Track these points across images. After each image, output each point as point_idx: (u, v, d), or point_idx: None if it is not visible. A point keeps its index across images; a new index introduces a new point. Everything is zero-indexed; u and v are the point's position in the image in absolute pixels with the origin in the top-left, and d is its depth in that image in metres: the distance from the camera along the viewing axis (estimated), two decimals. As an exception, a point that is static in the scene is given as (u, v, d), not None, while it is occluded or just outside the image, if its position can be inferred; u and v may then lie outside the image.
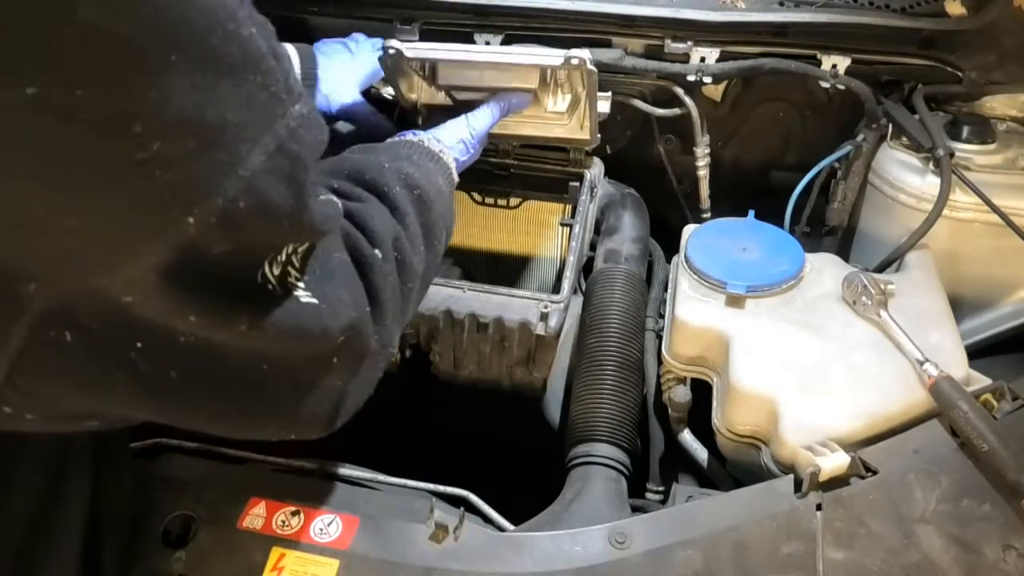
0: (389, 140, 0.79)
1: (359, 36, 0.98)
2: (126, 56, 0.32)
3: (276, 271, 0.43)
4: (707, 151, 1.18)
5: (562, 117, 0.99)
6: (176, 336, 0.41)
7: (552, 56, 0.85)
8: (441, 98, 0.99)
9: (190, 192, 0.36)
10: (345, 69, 0.93)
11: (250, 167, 0.38)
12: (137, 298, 0.38)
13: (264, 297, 0.43)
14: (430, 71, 0.93)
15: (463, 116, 0.86)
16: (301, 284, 0.46)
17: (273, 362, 0.46)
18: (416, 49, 0.87)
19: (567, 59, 0.84)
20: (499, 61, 0.87)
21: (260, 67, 0.38)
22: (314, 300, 0.46)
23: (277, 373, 0.47)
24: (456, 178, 0.80)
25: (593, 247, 1.14)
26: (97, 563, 0.62)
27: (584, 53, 0.84)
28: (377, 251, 0.56)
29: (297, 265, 0.45)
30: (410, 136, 0.80)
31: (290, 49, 0.92)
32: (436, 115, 1.01)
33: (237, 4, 0.37)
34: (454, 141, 0.82)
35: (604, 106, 0.97)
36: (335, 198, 0.51)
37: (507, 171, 1.09)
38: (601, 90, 0.94)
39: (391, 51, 0.86)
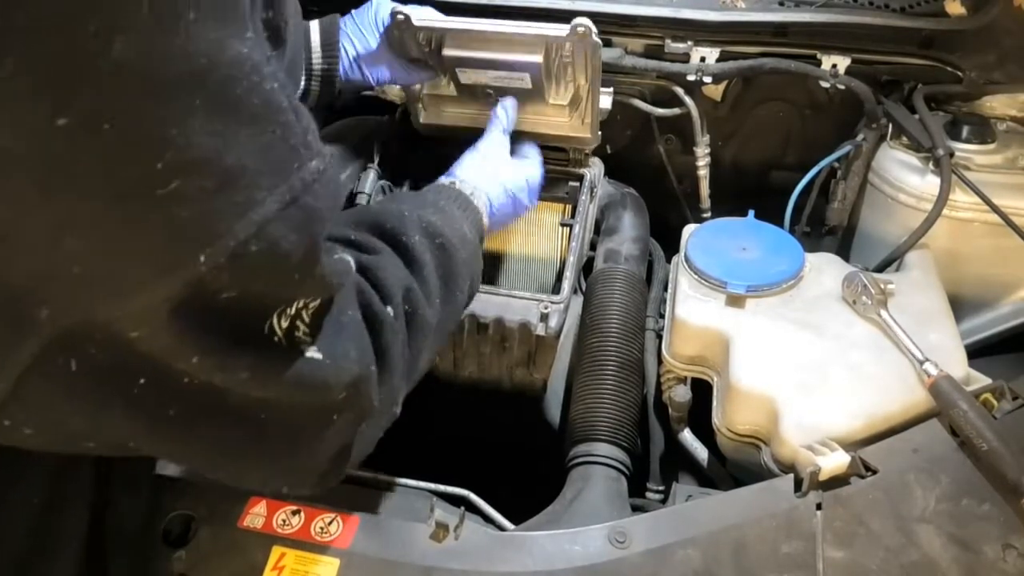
0: (424, 188, 0.79)
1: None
2: (153, 96, 0.33)
3: (284, 324, 0.44)
4: (707, 151, 1.18)
5: (563, 112, 0.99)
6: (179, 376, 0.41)
7: (558, 27, 0.86)
8: (444, 85, 0.99)
9: (204, 231, 0.37)
10: (370, 31, 0.94)
11: (263, 213, 0.39)
12: (144, 333, 0.38)
13: (268, 348, 0.44)
14: (436, 44, 0.93)
15: (513, 161, 0.87)
16: (308, 339, 0.46)
17: (272, 411, 0.47)
18: (424, 19, 0.88)
19: (573, 27, 0.85)
20: (505, 31, 0.88)
21: (280, 120, 0.39)
22: (319, 355, 0.46)
23: (276, 423, 0.47)
24: (486, 222, 0.79)
25: (593, 247, 1.14)
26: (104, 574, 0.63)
27: (587, 20, 0.85)
28: (389, 308, 0.56)
29: (307, 320, 0.46)
30: (443, 180, 0.80)
31: (313, 25, 0.92)
32: (438, 103, 1.01)
33: (263, 59, 0.38)
34: (494, 186, 0.82)
35: (606, 101, 0.98)
36: (348, 256, 0.52)
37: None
38: (603, 85, 0.94)
39: (400, 16, 0.87)
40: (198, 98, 0.35)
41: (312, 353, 0.46)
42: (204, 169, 0.36)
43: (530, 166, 0.90)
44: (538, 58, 0.90)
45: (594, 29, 0.85)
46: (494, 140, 0.89)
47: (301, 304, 0.45)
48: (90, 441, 0.45)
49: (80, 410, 0.41)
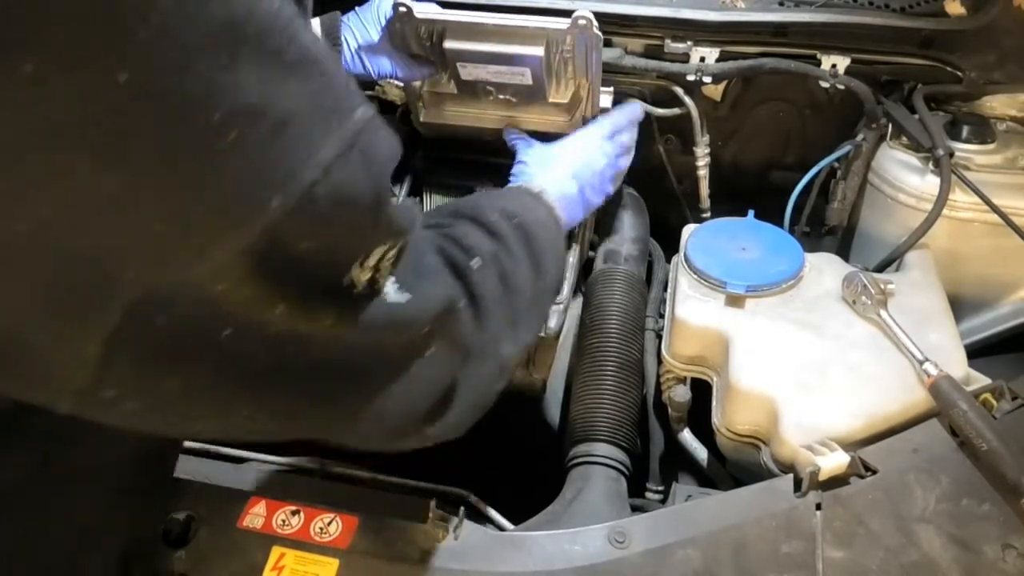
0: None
1: None
2: (198, 51, 0.34)
3: (365, 275, 0.45)
4: (707, 151, 1.18)
5: (563, 111, 0.99)
6: (265, 326, 0.42)
7: (559, 21, 0.87)
8: (445, 83, 0.99)
9: (270, 179, 0.38)
10: (372, 24, 0.96)
11: (324, 157, 0.40)
12: (227, 286, 0.39)
13: (350, 297, 0.45)
14: (437, 37, 0.93)
15: (564, 157, 0.90)
16: (390, 283, 0.47)
17: (361, 352, 0.48)
18: (425, 12, 0.89)
19: (574, 19, 0.86)
20: (507, 23, 0.89)
21: (319, 70, 0.40)
22: (402, 298, 0.48)
23: (367, 361, 0.48)
24: (561, 216, 0.81)
25: (593, 247, 1.14)
26: None
27: (588, 12, 0.86)
28: (475, 261, 0.57)
29: (387, 266, 0.47)
30: (509, 184, 0.85)
31: (314, 21, 0.93)
32: (439, 101, 1.01)
33: (295, 14, 0.39)
34: (554, 183, 0.85)
35: (606, 101, 0.98)
36: (412, 204, 0.53)
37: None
38: (603, 85, 0.94)
39: (402, 8, 0.88)
40: (241, 49, 0.36)
41: (395, 297, 0.47)
42: (260, 117, 0.37)
43: (581, 139, 0.92)
44: (539, 51, 0.90)
45: (595, 21, 0.86)
46: (524, 148, 0.91)
47: (381, 254, 0.46)
48: (193, 417, 0.45)
49: (172, 369, 0.42)
